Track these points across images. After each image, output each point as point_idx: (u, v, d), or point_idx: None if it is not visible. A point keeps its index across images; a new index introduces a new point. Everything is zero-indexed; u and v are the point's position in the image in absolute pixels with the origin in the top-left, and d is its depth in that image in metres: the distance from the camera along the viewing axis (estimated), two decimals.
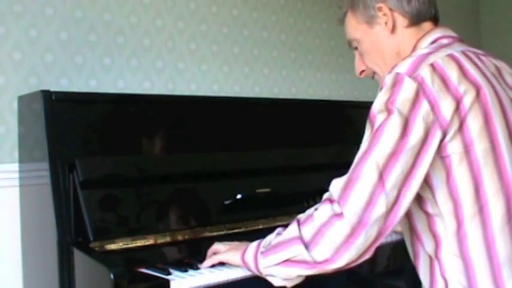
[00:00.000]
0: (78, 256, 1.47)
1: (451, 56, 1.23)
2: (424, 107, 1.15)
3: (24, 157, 1.78)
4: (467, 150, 1.16)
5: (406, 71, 1.18)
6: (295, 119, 2.17)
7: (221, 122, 1.94)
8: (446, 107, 1.16)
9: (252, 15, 2.53)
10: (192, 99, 2.06)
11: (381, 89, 1.22)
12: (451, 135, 1.16)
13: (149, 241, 1.59)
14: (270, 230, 1.71)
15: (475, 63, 1.25)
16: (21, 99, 1.81)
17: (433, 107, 1.15)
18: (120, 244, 1.54)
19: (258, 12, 2.55)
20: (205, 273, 1.44)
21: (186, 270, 1.45)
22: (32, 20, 1.90)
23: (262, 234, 1.72)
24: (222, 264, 1.50)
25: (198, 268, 1.48)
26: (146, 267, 1.47)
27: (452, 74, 1.19)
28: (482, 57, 1.30)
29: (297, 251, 1.22)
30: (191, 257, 1.59)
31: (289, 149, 2.06)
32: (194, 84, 2.30)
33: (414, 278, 1.35)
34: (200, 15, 2.35)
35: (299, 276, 1.29)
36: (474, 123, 1.17)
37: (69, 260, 1.49)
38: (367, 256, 1.20)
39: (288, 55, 2.66)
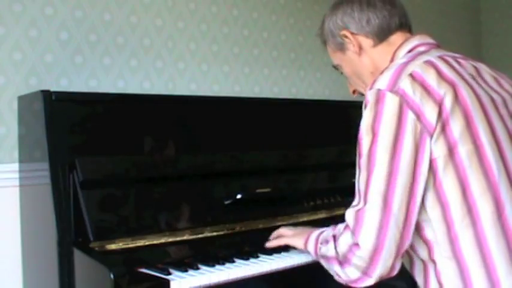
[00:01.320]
0: (78, 256, 1.47)
1: (429, 62, 1.24)
2: (410, 118, 1.16)
3: (24, 157, 1.78)
4: (451, 153, 1.17)
5: (387, 86, 1.19)
6: (295, 119, 2.17)
7: (221, 122, 1.93)
8: (430, 112, 1.17)
9: (252, 15, 2.53)
10: (192, 99, 2.06)
11: (365, 106, 1.23)
12: (435, 138, 1.17)
13: (149, 241, 1.59)
14: (270, 230, 1.72)
15: (451, 66, 1.26)
16: (21, 99, 1.81)
17: (419, 116, 1.17)
18: (120, 244, 1.54)
19: (258, 12, 2.55)
20: (206, 273, 1.44)
21: (186, 270, 1.45)
22: (32, 20, 1.90)
23: (262, 234, 1.73)
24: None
25: (198, 268, 1.48)
26: (146, 267, 1.47)
27: (431, 79, 1.20)
28: (461, 60, 1.31)
29: (335, 268, 1.29)
30: (191, 257, 1.59)
31: (289, 149, 2.06)
32: (194, 84, 2.31)
33: (414, 279, 1.35)
34: (200, 15, 2.35)
35: None
36: (456, 125, 1.18)
37: (69, 260, 1.49)
38: (395, 271, 1.22)
39: (288, 55, 2.66)
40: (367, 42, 1.38)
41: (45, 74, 1.92)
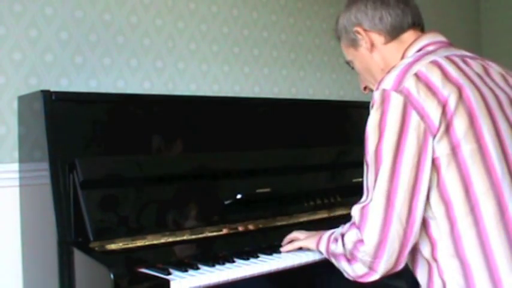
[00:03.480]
0: (78, 256, 1.47)
1: (434, 62, 1.26)
2: (414, 118, 1.19)
3: (24, 157, 1.78)
4: (454, 152, 1.19)
5: (392, 86, 1.22)
6: (295, 119, 2.17)
7: (221, 121, 1.93)
8: (433, 112, 1.19)
9: (252, 15, 2.53)
10: (192, 99, 2.06)
11: (372, 105, 1.26)
12: (438, 137, 1.19)
13: (149, 241, 1.59)
14: (270, 230, 1.72)
15: (458, 66, 1.27)
16: (21, 99, 1.81)
17: (423, 116, 1.19)
18: (120, 244, 1.54)
19: (258, 12, 2.55)
20: (206, 273, 1.44)
21: (186, 270, 1.45)
22: (32, 20, 1.90)
23: (262, 234, 1.73)
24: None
25: (198, 268, 1.48)
26: (146, 267, 1.47)
27: (436, 79, 1.22)
28: (469, 60, 1.32)
29: (344, 265, 1.33)
30: (191, 257, 1.59)
31: (289, 149, 2.06)
32: (194, 84, 2.30)
33: (414, 278, 1.35)
34: (200, 15, 2.35)
35: None
36: (460, 125, 1.19)
37: (69, 260, 1.49)
38: (400, 266, 1.26)
39: (288, 55, 2.66)
40: (379, 39, 1.40)
41: (45, 74, 1.92)
